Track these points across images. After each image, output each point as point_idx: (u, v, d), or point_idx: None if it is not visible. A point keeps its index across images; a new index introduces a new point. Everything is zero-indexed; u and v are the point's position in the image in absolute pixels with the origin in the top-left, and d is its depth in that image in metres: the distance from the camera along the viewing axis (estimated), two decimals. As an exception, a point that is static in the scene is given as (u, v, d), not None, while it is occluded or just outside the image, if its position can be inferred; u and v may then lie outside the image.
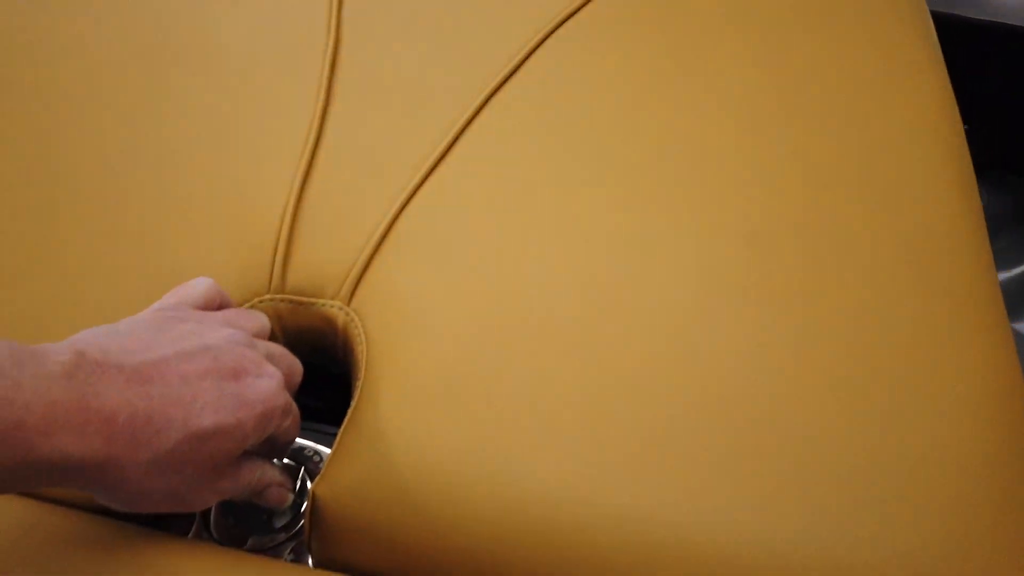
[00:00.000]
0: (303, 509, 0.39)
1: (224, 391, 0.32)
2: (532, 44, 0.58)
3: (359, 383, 0.41)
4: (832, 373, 0.41)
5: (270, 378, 0.34)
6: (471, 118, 0.53)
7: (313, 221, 0.47)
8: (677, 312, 0.43)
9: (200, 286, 0.39)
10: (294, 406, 0.37)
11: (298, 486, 0.40)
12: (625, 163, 0.51)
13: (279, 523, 0.40)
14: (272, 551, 0.39)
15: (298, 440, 0.41)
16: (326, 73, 0.56)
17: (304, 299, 0.45)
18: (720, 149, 0.51)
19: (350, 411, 0.40)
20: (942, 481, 0.37)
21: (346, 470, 0.37)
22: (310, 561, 0.39)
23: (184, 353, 0.32)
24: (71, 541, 0.36)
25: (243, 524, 0.40)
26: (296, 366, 0.40)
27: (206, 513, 0.41)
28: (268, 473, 0.37)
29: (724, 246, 0.46)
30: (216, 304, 0.40)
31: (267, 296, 0.45)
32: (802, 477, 0.37)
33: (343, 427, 0.39)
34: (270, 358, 0.36)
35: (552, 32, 0.59)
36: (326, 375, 0.48)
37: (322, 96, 0.54)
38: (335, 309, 0.44)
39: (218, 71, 0.57)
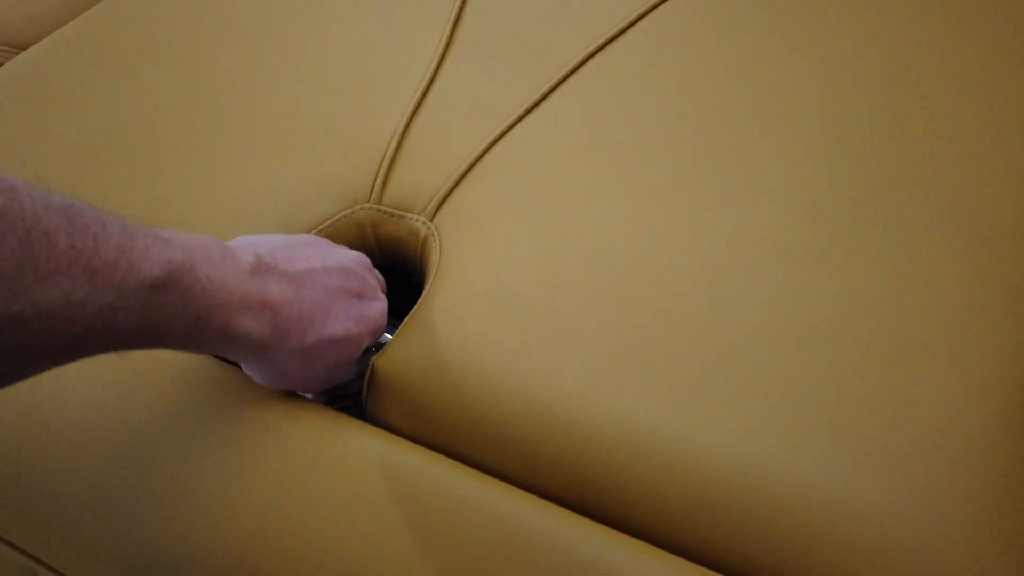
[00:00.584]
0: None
1: (352, 306, 0.41)
2: (641, 10, 0.62)
3: (428, 284, 0.48)
4: (862, 339, 0.43)
5: (381, 302, 0.44)
6: (569, 73, 0.58)
7: (415, 145, 0.54)
8: (721, 261, 0.46)
9: None
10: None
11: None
12: (704, 130, 0.54)
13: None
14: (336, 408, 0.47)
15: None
16: (452, 19, 0.63)
17: (396, 211, 0.52)
18: (800, 124, 0.53)
19: (416, 305, 0.47)
20: (964, 453, 0.38)
21: (403, 349, 0.44)
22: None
23: (327, 268, 0.41)
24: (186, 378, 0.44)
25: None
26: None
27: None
28: (363, 364, 0.46)
29: (783, 211, 0.49)
30: None
31: (366, 205, 0.52)
32: (821, 417, 0.40)
33: (408, 316, 0.46)
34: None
35: (654, 8, 0.62)
36: (405, 281, 0.55)
37: (444, 39, 0.61)
38: (419, 223, 0.51)
39: (363, 10, 0.64)
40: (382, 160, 0.53)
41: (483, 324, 0.45)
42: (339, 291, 0.41)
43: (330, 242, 0.45)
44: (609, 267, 0.47)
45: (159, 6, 0.66)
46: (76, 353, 0.30)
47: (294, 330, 0.38)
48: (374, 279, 0.45)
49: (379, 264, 0.55)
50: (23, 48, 0.67)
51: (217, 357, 0.45)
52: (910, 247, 0.47)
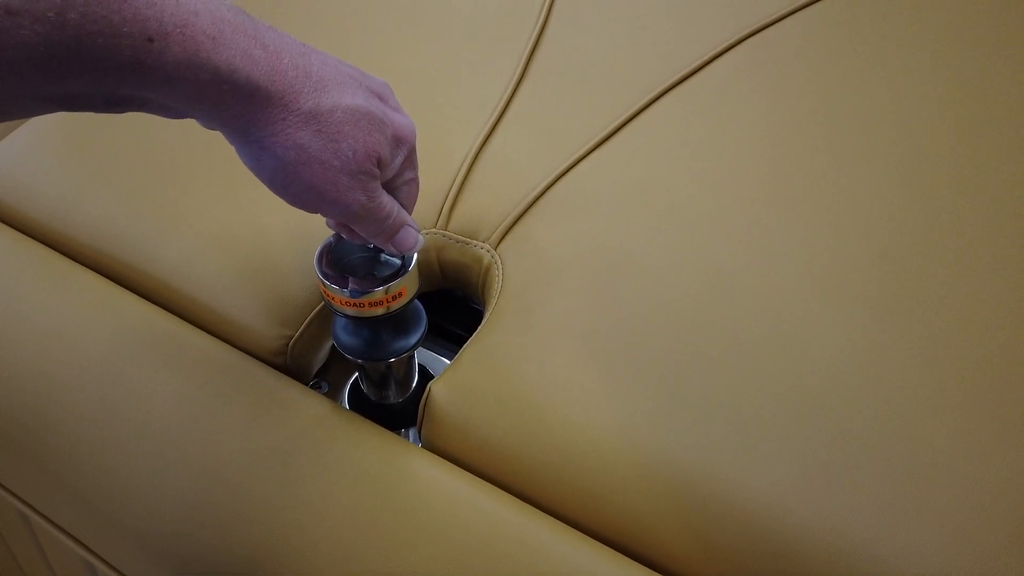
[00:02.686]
0: (422, 400, 0.47)
1: (368, 95, 0.34)
2: (719, 49, 0.62)
3: (488, 313, 0.48)
4: (920, 392, 0.41)
5: (404, 115, 0.37)
6: (644, 107, 0.58)
7: (485, 172, 0.55)
8: (788, 305, 0.46)
9: None
10: (417, 174, 0.40)
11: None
12: (778, 169, 0.53)
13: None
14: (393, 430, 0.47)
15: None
16: (528, 50, 0.64)
17: (461, 238, 0.52)
18: (879, 169, 0.52)
19: (475, 334, 0.47)
20: None
21: (459, 376, 0.45)
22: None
23: (340, 63, 0.35)
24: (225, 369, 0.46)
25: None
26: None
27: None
28: (403, 216, 0.39)
29: (853, 257, 0.47)
30: None
31: (432, 230, 0.53)
32: (874, 468, 0.39)
33: (467, 344, 0.46)
34: None
35: (741, 41, 0.62)
36: (469, 306, 0.55)
37: (520, 69, 0.62)
38: (483, 251, 0.52)
39: (443, 34, 0.66)
40: (451, 185, 0.54)
41: (541, 358, 0.45)
42: (355, 79, 0.34)
43: None
44: (673, 306, 0.46)
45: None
46: None
47: (303, 87, 0.31)
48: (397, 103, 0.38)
49: (441, 288, 0.56)
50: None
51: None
52: (975, 302, 0.45)
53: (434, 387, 0.44)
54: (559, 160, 0.55)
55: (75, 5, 0.25)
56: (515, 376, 0.44)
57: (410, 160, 0.39)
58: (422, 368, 0.53)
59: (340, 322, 0.44)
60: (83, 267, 0.54)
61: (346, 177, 0.33)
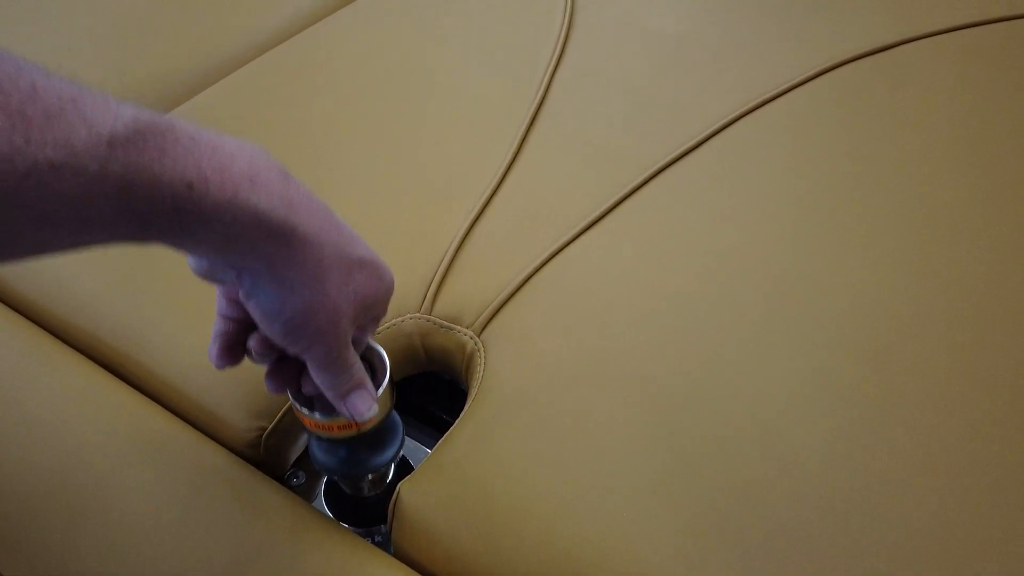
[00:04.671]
0: (391, 500, 0.45)
1: (370, 249, 0.36)
2: (716, 126, 0.61)
3: (468, 404, 0.47)
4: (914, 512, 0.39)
5: (392, 277, 0.38)
6: (636, 188, 0.57)
7: (472, 254, 0.54)
8: (777, 404, 0.43)
9: None
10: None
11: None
12: (776, 259, 0.51)
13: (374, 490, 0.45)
14: (363, 532, 0.46)
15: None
16: (525, 126, 0.63)
17: (445, 323, 0.51)
18: (877, 263, 0.50)
19: (452, 427, 0.45)
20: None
21: (430, 478, 0.43)
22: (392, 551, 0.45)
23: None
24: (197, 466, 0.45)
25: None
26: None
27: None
28: (364, 375, 0.38)
29: (849, 356, 0.45)
30: None
31: (416, 314, 0.52)
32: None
33: (442, 439, 0.45)
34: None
35: (740, 118, 0.61)
36: (457, 388, 0.54)
37: (515, 146, 0.61)
38: (466, 337, 0.50)
39: (438, 109, 0.66)
40: (437, 268, 0.53)
41: (516, 459, 0.43)
42: (348, 226, 0.35)
43: None
44: (658, 405, 0.45)
45: (250, 100, 0.69)
46: (17, 227, 0.24)
47: (324, 230, 0.31)
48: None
49: (427, 371, 0.55)
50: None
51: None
52: (969, 408, 0.42)
53: (404, 489, 0.43)
54: (548, 242, 0.54)
55: (117, 158, 0.25)
56: (489, 482, 0.42)
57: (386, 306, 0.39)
58: (401, 459, 0.51)
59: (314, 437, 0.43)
60: (72, 350, 0.54)
61: (345, 321, 0.34)
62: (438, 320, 0.52)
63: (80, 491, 0.45)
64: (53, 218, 0.24)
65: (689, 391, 0.45)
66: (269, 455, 0.47)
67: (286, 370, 0.38)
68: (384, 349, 0.41)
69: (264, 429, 0.47)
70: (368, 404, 0.37)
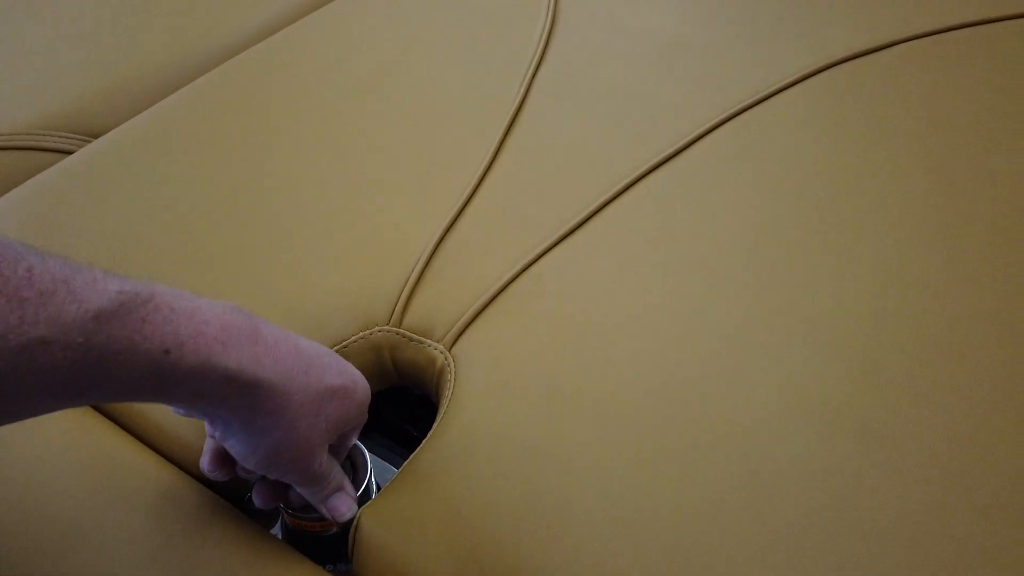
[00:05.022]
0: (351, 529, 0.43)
1: (343, 368, 0.38)
2: (701, 130, 0.58)
3: (436, 424, 0.45)
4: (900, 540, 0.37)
5: (363, 378, 0.39)
6: (616, 195, 0.55)
7: (444, 264, 0.52)
8: (758, 425, 0.41)
9: None
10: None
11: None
12: (759, 267, 0.49)
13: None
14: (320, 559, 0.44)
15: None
16: (503, 129, 0.61)
17: (415, 336, 0.49)
18: (869, 266, 0.48)
19: (417, 449, 0.43)
20: None
21: (393, 504, 0.41)
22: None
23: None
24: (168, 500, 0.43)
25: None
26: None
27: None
28: (341, 478, 0.41)
29: (837, 371, 0.43)
30: None
31: (386, 327, 0.50)
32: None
33: (406, 463, 0.43)
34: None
35: (725, 121, 0.58)
36: (429, 402, 0.52)
37: (492, 150, 0.59)
38: (436, 352, 0.48)
39: (411, 111, 0.64)
40: (407, 279, 0.51)
41: (485, 484, 0.41)
42: (320, 352, 0.37)
43: None
44: (632, 426, 0.42)
45: (222, 103, 0.67)
46: (9, 398, 0.26)
47: (297, 372, 0.34)
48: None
49: (397, 386, 0.52)
50: (95, 137, 0.69)
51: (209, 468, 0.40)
52: (980, 430, 0.40)
53: (364, 516, 0.41)
54: (523, 252, 0.52)
55: (102, 331, 0.27)
56: (455, 508, 0.40)
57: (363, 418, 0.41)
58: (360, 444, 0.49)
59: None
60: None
61: (318, 447, 0.36)
62: (408, 333, 0.49)
63: (27, 516, 0.43)
64: (37, 388, 0.26)
65: (665, 411, 0.43)
66: (235, 480, 0.45)
67: (270, 484, 0.41)
68: (364, 450, 0.44)
69: (221, 449, 0.44)
70: (348, 505, 0.40)
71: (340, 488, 0.40)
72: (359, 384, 0.38)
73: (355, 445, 0.43)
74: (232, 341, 0.31)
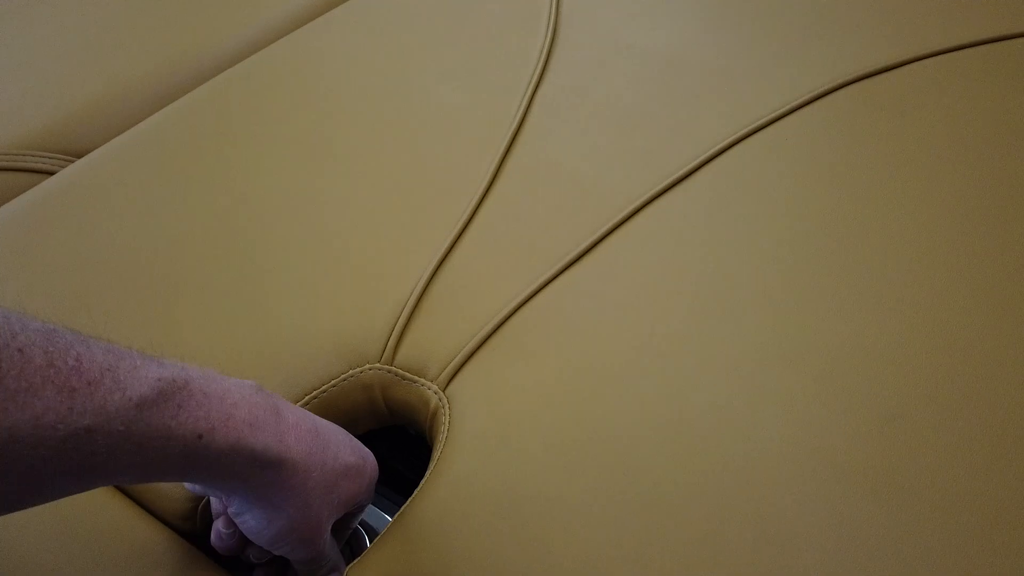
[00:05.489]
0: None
1: (355, 446, 0.39)
2: (709, 153, 0.56)
3: (428, 473, 0.42)
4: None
5: (371, 454, 0.40)
6: (620, 223, 0.52)
7: (438, 302, 0.49)
8: (770, 478, 0.38)
9: None
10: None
11: None
12: (774, 304, 0.47)
13: None
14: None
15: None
16: (501, 152, 0.58)
17: (407, 375, 0.46)
18: (888, 300, 0.45)
19: (408, 502, 0.41)
20: None
21: (381, 563, 0.38)
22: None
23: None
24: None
25: None
26: None
27: None
28: (338, 559, 0.40)
29: (855, 419, 0.40)
30: None
31: (377, 365, 0.47)
32: None
33: (395, 518, 0.40)
34: None
35: (726, 149, 0.56)
36: (422, 440, 0.49)
37: (488, 176, 0.56)
38: (430, 392, 0.45)
39: (406, 132, 0.61)
40: (400, 313, 0.48)
41: (473, 543, 0.38)
42: (334, 430, 0.38)
43: None
44: (636, 474, 0.40)
45: (208, 122, 0.65)
46: (46, 482, 0.26)
47: (316, 450, 0.35)
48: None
49: (389, 425, 0.50)
50: (77, 156, 0.66)
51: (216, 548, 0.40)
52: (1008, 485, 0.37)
53: (351, 573, 0.38)
54: (523, 284, 0.49)
55: (142, 419, 0.28)
56: (450, 565, 0.37)
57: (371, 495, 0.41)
58: (360, 528, 0.46)
59: None
60: None
61: (326, 525, 0.37)
62: (400, 372, 0.47)
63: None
64: (71, 472, 0.27)
65: (670, 459, 0.40)
66: (206, 527, 0.42)
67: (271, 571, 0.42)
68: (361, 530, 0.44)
69: (199, 500, 0.42)
70: None
71: (335, 570, 0.40)
72: (368, 462, 0.39)
73: (357, 530, 0.43)
74: (259, 422, 0.32)
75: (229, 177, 0.59)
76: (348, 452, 0.37)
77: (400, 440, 0.52)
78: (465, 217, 0.54)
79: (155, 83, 0.70)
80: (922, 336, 0.43)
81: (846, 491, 0.38)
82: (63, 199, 0.60)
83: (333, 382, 0.46)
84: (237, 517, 0.36)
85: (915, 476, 0.38)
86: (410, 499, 0.40)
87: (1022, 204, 0.49)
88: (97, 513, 0.42)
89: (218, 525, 0.38)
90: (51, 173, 0.65)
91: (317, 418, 0.37)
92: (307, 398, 0.45)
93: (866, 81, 0.59)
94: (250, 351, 0.47)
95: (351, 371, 0.47)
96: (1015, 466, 0.38)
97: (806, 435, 0.40)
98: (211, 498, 0.40)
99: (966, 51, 0.59)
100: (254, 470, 0.32)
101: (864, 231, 0.49)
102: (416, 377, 0.46)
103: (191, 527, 0.42)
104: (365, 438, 0.49)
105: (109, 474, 0.28)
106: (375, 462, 0.40)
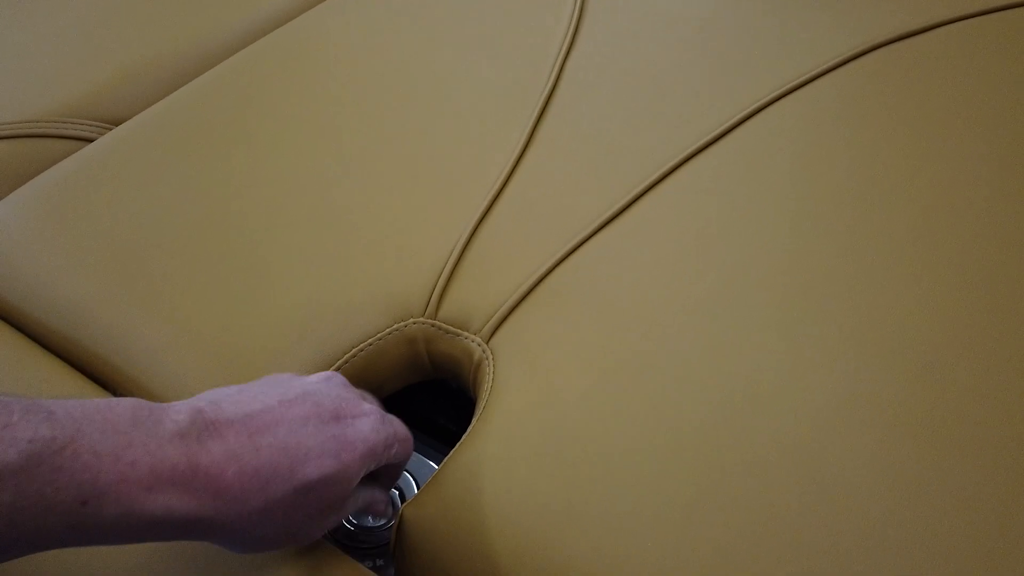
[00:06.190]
0: (391, 523, 0.42)
1: (326, 434, 0.33)
2: (744, 113, 0.57)
3: (475, 419, 0.43)
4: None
5: (368, 416, 0.35)
6: (654, 183, 0.53)
7: (478, 259, 0.50)
8: (816, 426, 0.40)
9: None
10: (401, 431, 0.38)
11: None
12: (807, 258, 0.48)
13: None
14: (360, 555, 0.42)
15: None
16: (534, 117, 0.59)
17: (451, 328, 0.48)
18: (927, 257, 0.46)
19: (457, 445, 0.42)
20: None
21: (435, 500, 0.39)
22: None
23: (286, 400, 0.34)
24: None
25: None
26: (402, 432, 0.39)
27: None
28: (370, 495, 0.38)
29: (894, 370, 0.41)
30: None
31: (421, 319, 0.48)
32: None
33: (446, 459, 0.41)
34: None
35: (759, 111, 0.57)
36: (467, 397, 0.50)
37: (523, 141, 0.57)
38: (474, 344, 0.47)
39: (439, 100, 0.62)
40: (442, 270, 0.50)
41: (523, 478, 0.39)
42: (306, 421, 0.33)
43: (294, 375, 0.38)
44: (680, 425, 0.41)
45: (245, 91, 0.66)
46: None
47: (251, 488, 0.31)
48: (353, 394, 0.37)
49: (432, 379, 0.51)
50: (116, 124, 0.68)
51: None
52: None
53: (407, 513, 0.39)
54: (561, 242, 0.50)
55: (7, 487, 0.25)
56: (497, 506, 0.39)
57: (387, 441, 0.37)
58: (404, 475, 0.48)
59: None
60: (48, 353, 0.50)
61: (303, 533, 0.35)
62: (443, 325, 0.48)
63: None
64: None
65: (720, 417, 0.41)
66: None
67: None
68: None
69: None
70: (384, 510, 0.41)
71: (373, 502, 0.39)
72: (352, 452, 0.34)
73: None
74: (160, 484, 0.28)
75: (269, 140, 0.61)
76: (314, 465, 0.33)
77: (442, 394, 0.53)
78: (501, 180, 0.55)
79: (192, 51, 0.71)
80: (956, 289, 0.44)
81: (892, 442, 0.39)
82: (102, 165, 0.62)
83: (379, 335, 0.48)
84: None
85: (951, 416, 0.39)
86: (459, 443, 0.42)
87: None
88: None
89: None
90: (90, 140, 0.66)
91: (276, 434, 0.32)
92: (354, 350, 0.47)
93: (899, 43, 0.59)
94: (297, 307, 0.48)
95: (396, 325, 0.48)
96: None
97: (846, 381, 0.41)
98: None
99: (998, 14, 0.60)
100: (161, 532, 0.29)
101: (897, 189, 0.50)
102: (460, 330, 0.48)
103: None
104: (406, 393, 0.50)
105: None
106: (367, 436, 0.35)
